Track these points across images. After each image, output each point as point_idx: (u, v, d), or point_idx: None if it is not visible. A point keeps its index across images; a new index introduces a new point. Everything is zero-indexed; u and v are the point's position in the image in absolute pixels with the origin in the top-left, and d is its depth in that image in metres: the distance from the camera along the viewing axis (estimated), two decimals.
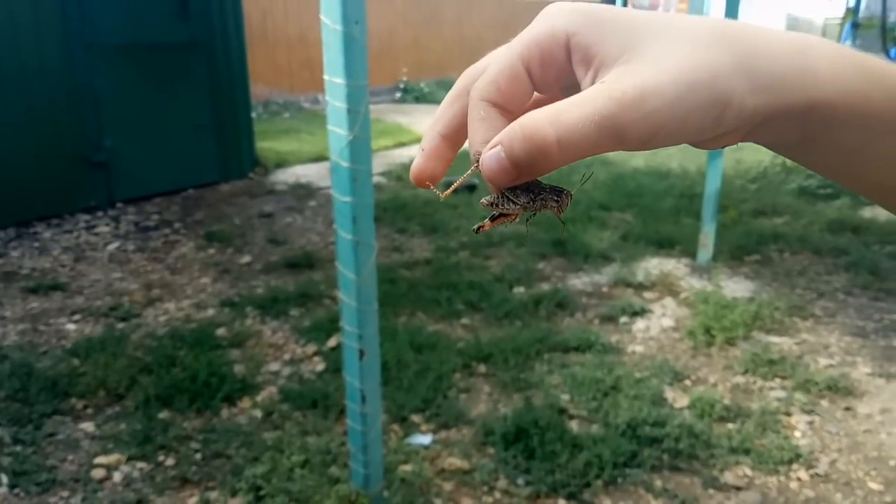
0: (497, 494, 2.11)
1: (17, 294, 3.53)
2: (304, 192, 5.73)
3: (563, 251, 4.23)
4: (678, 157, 7.11)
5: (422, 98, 12.22)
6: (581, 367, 2.79)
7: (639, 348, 3.03)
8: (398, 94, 12.41)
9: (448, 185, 0.39)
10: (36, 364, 2.79)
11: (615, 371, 2.73)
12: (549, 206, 0.36)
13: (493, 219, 0.38)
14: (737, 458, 2.27)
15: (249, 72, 6.42)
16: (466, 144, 0.36)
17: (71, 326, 3.19)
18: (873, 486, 2.17)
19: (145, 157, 5.37)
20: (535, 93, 0.36)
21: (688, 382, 2.76)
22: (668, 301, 3.53)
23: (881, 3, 5.52)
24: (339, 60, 1.52)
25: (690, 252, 4.13)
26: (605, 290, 3.70)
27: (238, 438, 2.34)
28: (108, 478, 2.17)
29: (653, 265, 4.01)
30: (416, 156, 0.38)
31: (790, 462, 2.26)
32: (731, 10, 3.64)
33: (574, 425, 2.44)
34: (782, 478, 2.20)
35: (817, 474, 2.22)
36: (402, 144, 8.07)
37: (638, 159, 7.07)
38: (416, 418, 2.48)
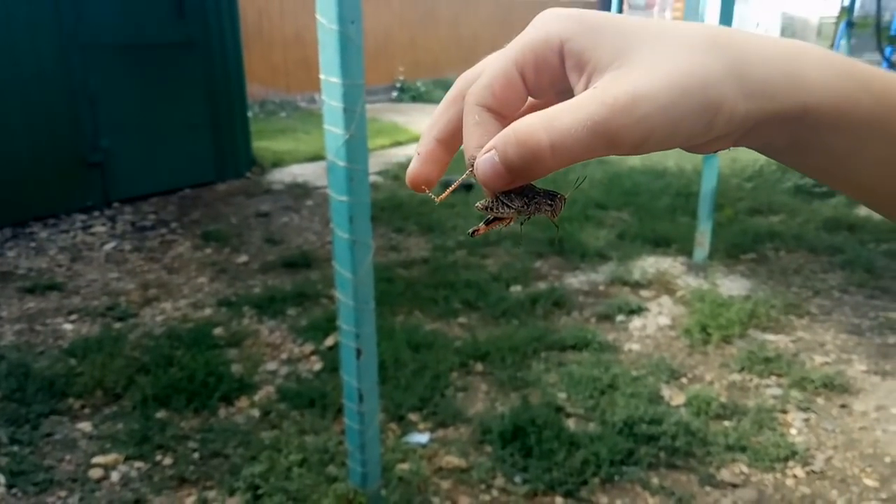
0: (494, 492, 2.11)
1: (13, 294, 3.53)
2: (300, 191, 5.73)
3: (559, 250, 4.23)
4: (674, 156, 7.12)
5: (418, 97, 12.22)
6: (578, 365, 2.80)
7: (635, 346, 3.04)
8: (395, 94, 12.41)
9: (445, 186, 0.40)
10: (33, 364, 2.78)
11: (612, 369, 2.74)
12: (543, 209, 0.36)
13: (487, 222, 0.38)
14: (733, 456, 2.28)
15: (245, 71, 6.41)
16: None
17: (68, 326, 3.19)
18: (869, 482, 2.18)
19: (142, 157, 5.36)
20: (530, 98, 0.36)
21: (684, 380, 2.77)
22: (665, 299, 3.54)
23: (876, 3, 5.54)
24: (335, 60, 1.52)
25: (687, 250, 4.14)
26: (601, 288, 3.70)
27: (236, 438, 2.34)
28: (105, 477, 2.17)
29: (649, 264, 4.02)
30: (412, 158, 0.39)
31: (786, 459, 2.27)
32: (727, 9, 3.65)
33: (571, 423, 2.44)
34: (778, 475, 2.21)
35: (813, 471, 2.23)
36: (398, 143, 8.07)
37: (634, 158, 7.08)
38: (413, 417, 2.48)
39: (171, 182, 5.59)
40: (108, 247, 4.30)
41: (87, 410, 2.52)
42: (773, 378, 2.77)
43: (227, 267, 3.98)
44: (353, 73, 1.54)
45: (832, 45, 7.75)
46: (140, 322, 3.24)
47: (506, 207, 0.36)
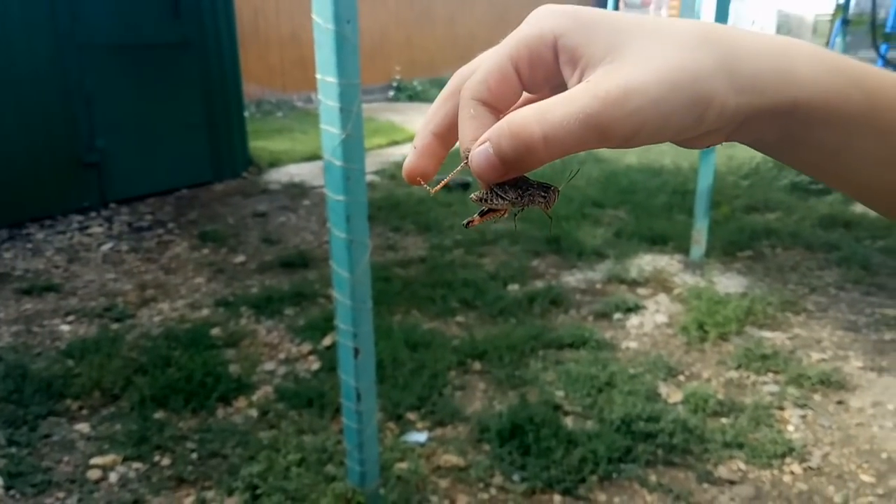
0: (493, 491, 2.12)
1: (10, 295, 3.52)
2: (297, 191, 5.73)
3: (556, 248, 4.24)
4: (671, 154, 7.14)
5: (415, 96, 12.22)
6: (575, 363, 2.80)
7: (633, 344, 3.05)
8: (391, 93, 12.40)
9: (440, 182, 0.40)
10: (30, 365, 2.78)
11: (609, 367, 2.74)
12: (537, 201, 0.37)
13: (482, 214, 0.39)
14: (730, 453, 2.28)
15: (242, 71, 6.41)
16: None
17: (65, 327, 3.18)
18: (865, 478, 2.18)
19: (138, 158, 5.35)
20: (525, 93, 0.37)
21: (681, 378, 2.77)
22: (662, 297, 3.55)
23: (871, 0, 5.55)
24: (331, 59, 1.52)
25: (683, 248, 4.15)
26: (598, 286, 3.71)
27: (234, 438, 2.34)
28: (103, 478, 2.17)
29: (646, 262, 4.02)
30: (408, 153, 0.39)
31: (783, 456, 2.27)
32: (722, 7, 3.65)
33: (569, 421, 2.45)
34: (775, 471, 2.22)
35: (810, 467, 2.23)
36: (395, 143, 8.07)
37: (631, 156, 7.09)
38: (411, 416, 2.49)
39: (168, 182, 5.59)
40: (105, 248, 4.29)
41: (84, 411, 2.52)
42: (770, 375, 2.78)
43: (224, 267, 3.97)
44: (349, 73, 1.54)
45: (827, 43, 7.76)
46: (137, 323, 3.24)
47: (500, 199, 0.37)
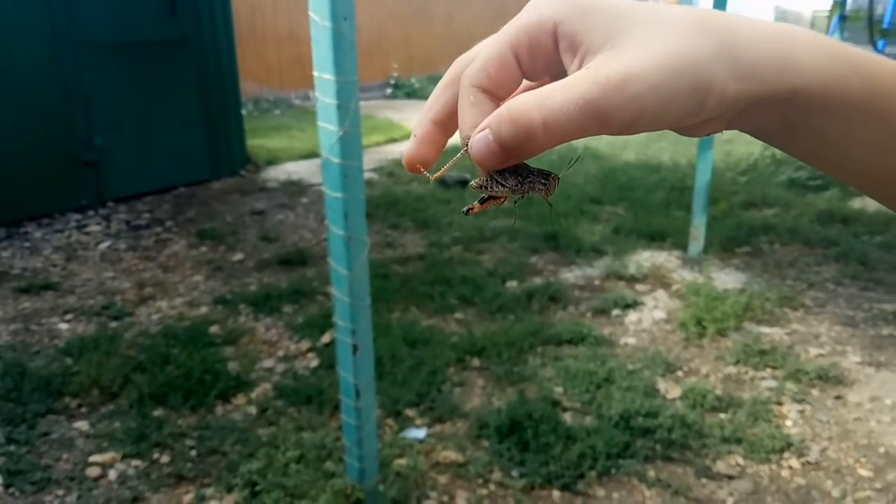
0: (492, 486, 2.12)
1: (8, 294, 3.52)
2: (295, 188, 5.73)
3: (555, 245, 4.24)
4: (669, 151, 7.14)
5: (413, 94, 12.21)
6: (574, 359, 2.81)
7: (631, 340, 3.05)
8: (389, 90, 12.39)
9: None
10: (29, 364, 2.78)
11: (608, 363, 2.75)
12: (537, 188, 0.37)
13: (482, 201, 0.39)
14: (729, 448, 2.29)
15: (239, 69, 6.40)
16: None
17: (63, 326, 3.18)
18: (863, 472, 2.19)
19: (136, 156, 5.35)
20: (525, 80, 0.37)
21: (680, 373, 2.78)
22: (660, 293, 3.55)
23: None
24: (328, 57, 1.52)
25: (682, 244, 4.15)
26: (597, 283, 3.71)
27: (233, 435, 2.35)
28: (103, 476, 2.17)
29: (644, 258, 4.03)
30: (409, 141, 0.39)
31: (781, 451, 2.28)
32: (720, 1, 3.65)
33: (567, 417, 2.45)
34: (774, 466, 2.22)
35: (808, 462, 2.24)
36: (393, 140, 8.07)
37: (629, 153, 7.09)
38: (410, 412, 2.49)
39: (166, 180, 5.58)
40: (103, 246, 4.29)
41: (83, 409, 2.52)
42: (769, 370, 2.78)
43: (222, 265, 3.97)
44: (346, 70, 1.54)
45: None
46: (136, 321, 3.24)
47: (500, 186, 0.37)
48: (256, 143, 7.08)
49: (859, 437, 2.36)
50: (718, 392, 2.61)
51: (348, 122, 1.56)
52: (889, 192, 0.35)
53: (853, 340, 3.03)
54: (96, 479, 2.15)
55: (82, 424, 2.42)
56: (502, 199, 0.38)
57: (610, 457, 2.21)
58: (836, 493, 2.10)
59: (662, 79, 0.30)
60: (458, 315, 3.31)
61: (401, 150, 7.38)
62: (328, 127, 1.59)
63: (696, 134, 0.35)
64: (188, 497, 2.08)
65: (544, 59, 0.35)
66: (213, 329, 3.13)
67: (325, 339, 3.00)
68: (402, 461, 2.19)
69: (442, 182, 5.64)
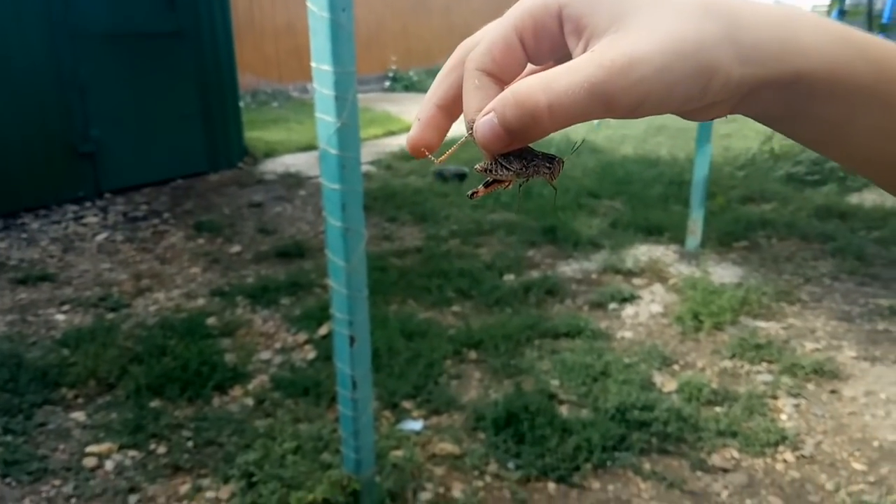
0: (488, 478, 2.13)
1: (5, 285, 3.51)
2: (293, 181, 5.72)
3: (552, 239, 4.24)
4: (667, 145, 7.14)
5: (411, 87, 12.18)
6: (571, 352, 2.81)
7: (628, 334, 3.06)
8: (387, 83, 12.37)
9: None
10: (26, 355, 2.78)
11: (604, 356, 2.75)
12: (542, 172, 0.37)
13: (486, 185, 0.38)
14: (724, 441, 2.30)
15: (237, 61, 6.38)
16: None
17: (60, 317, 3.18)
18: (857, 466, 2.20)
19: (133, 148, 5.33)
20: (530, 65, 0.37)
21: (676, 367, 2.79)
22: (657, 287, 3.56)
23: None
24: (326, 47, 1.51)
25: (679, 239, 4.16)
26: (594, 276, 3.72)
27: (230, 426, 2.35)
28: (99, 466, 2.17)
29: (642, 252, 4.03)
30: (412, 125, 0.39)
31: (776, 444, 2.29)
32: None
33: (564, 410, 2.46)
34: (769, 459, 2.23)
35: (803, 456, 2.25)
36: (391, 133, 8.05)
37: (627, 147, 7.09)
38: (407, 404, 2.49)
39: (163, 172, 5.57)
40: (100, 237, 4.28)
41: (80, 400, 2.52)
42: (764, 364, 2.79)
43: (219, 257, 3.97)
44: (344, 61, 1.53)
45: None
46: (133, 312, 3.24)
47: (505, 170, 0.36)
48: (254, 135, 7.07)
49: (854, 431, 2.38)
50: (714, 386, 2.61)
51: (346, 114, 1.56)
52: (891, 177, 0.35)
53: (849, 335, 3.04)
54: (93, 470, 2.15)
55: (79, 415, 2.43)
56: (507, 183, 0.38)
57: (606, 449, 2.22)
58: (829, 486, 2.11)
59: (667, 62, 0.30)
60: (456, 308, 3.31)
61: (399, 142, 7.37)
62: (326, 118, 1.58)
63: (699, 118, 0.35)
64: (185, 488, 2.08)
65: (549, 43, 0.35)
66: (211, 321, 3.13)
67: (322, 331, 3.00)
68: (399, 453, 2.20)
69: (440, 175, 5.63)
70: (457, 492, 2.06)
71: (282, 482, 2.02)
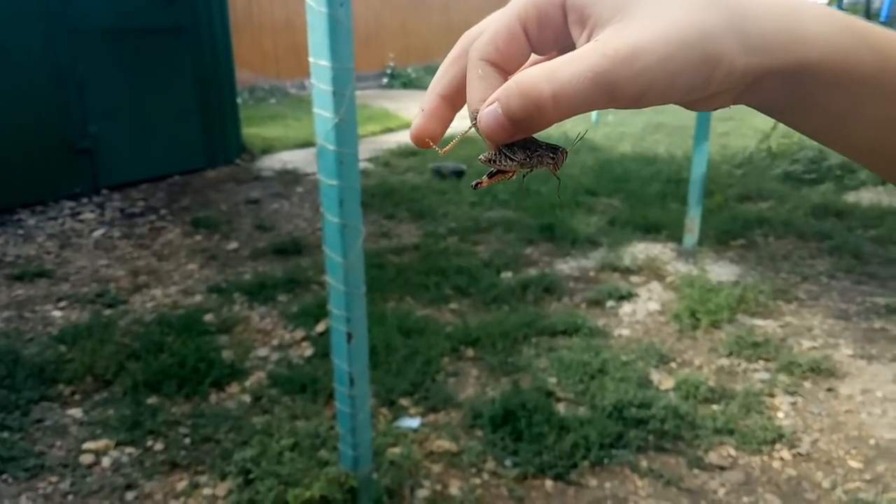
0: (485, 476, 2.13)
1: (2, 281, 3.51)
2: (290, 177, 5.71)
3: (550, 236, 4.24)
4: (665, 143, 7.14)
5: (409, 84, 12.17)
6: (568, 350, 2.81)
7: (625, 332, 3.06)
8: (385, 80, 12.35)
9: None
10: (22, 351, 2.77)
11: (602, 354, 2.76)
12: (546, 162, 0.37)
13: (490, 175, 0.38)
14: (721, 439, 2.30)
15: (235, 57, 6.37)
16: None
17: (57, 313, 3.17)
18: (853, 464, 2.21)
19: (130, 144, 5.32)
20: (533, 55, 0.36)
21: (673, 365, 2.79)
22: (655, 285, 3.56)
23: None
24: (324, 43, 1.51)
25: (676, 237, 4.16)
26: (592, 274, 3.72)
27: (227, 423, 2.35)
28: (96, 463, 2.17)
29: (639, 250, 4.03)
30: (416, 116, 0.39)
31: (773, 442, 2.29)
32: None
33: (561, 408, 2.46)
34: (765, 457, 2.24)
35: (799, 453, 2.26)
36: (389, 130, 8.05)
37: (625, 145, 7.09)
38: (404, 402, 2.49)
39: (161, 169, 5.56)
40: (97, 234, 4.27)
41: (77, 396, 2.52)
42: (761, 362, 2.80)
43: (217, 253, 3.96)
44: (342, 57, 1.53)
45: None
46: (130, 309, 3.23)
47: (508, 160, 0.36)
48: (252, 131, 7.05)
49: (850, 429, 2.38)
50: (711, 383, 2.62)
51: (344, 109, 1.56)
52: (894, 167, 0.35)
53: (846, 333, 3.05)
54: (90, 466, 2.15)
55: (76, 411, 2.42)
56: (511, 174, 0.38)
57: (603, 447, 2.22)
58: (826, 483, 2.12)
59: (671, 51, 0.30)
60: (453, 305, 3.31)
61: (397, 140, 7.37)
62: (324, 114, 1.58)
63: (702, 108, 0.34)
64: (182, 484, 2.08)
65: (553, 33, 0.35)
66: (208, 317, 3.13)
67: (320, 328, 3.00)
68: (396, 450, 2.20)
69: (437, 172, 5.62)
70: (454, 489, 2.07)
71: (279, 479, 2.02)
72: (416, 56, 12.72)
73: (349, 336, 1.73)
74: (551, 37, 0.35)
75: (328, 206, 1.66)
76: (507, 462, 2.18)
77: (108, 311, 3.19)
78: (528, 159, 0.36)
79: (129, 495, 2.04)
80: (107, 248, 4.05)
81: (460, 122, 0.37)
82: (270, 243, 4.13)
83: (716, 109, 0.35)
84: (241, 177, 5.75)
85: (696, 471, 2.17)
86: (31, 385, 2.54)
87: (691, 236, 4.02)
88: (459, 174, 5.60)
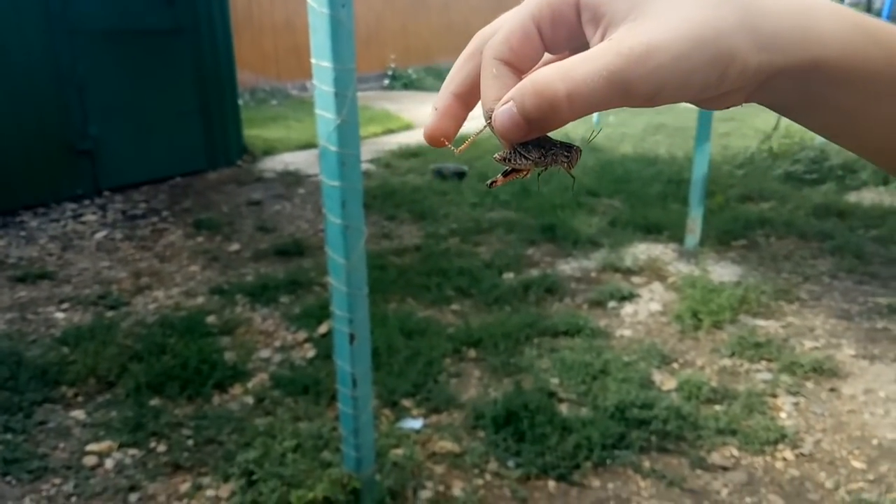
0: (488, 477, 2.13)
1: (4, 283, 3.51)
2: (292, 179, 5.71)
3: (551, 237, 4.24)
4: (666, 144, 7.14)
5: (410, 85, 12.18)
6: (570, 351, 2.81)
7: (627, 332, 3.06)
8: (386, 81, 12.36)
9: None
10: (25, 353, 2.78)
11: (604, 355, 2.76)
12: (560, 161, 0.37)
13: (505, 174, 0.39)
14: (723, 439, 2.30)
15: (236, 58, 6.37)
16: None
17: (60, 315, 3.18)
18: (856, 464, 2.20)
19: (131, 145, 5.32)
20: (547, 54, 0.36)
21: (675, 365, 2.79)
22: (656, 285, 3.56)
23: None
24: (325, 44, 1.51)
25: (678, 237, 4.16)
26: (593, 275, 3.72)
27: (230, 424, 2.35)
28: (99, 465, 2.17)
29: (641, 250, 4.03)
30: (430, 115, 0.39)
31: (776, 442, 2.29)
32: None
33: (563, 408, 2.46)
34: (768, 458, 2.24)
35: (802, 454, 2.25)
36: (390, 131, 8.05)
37: (626, 145, 7.09)
38: (407, 403, 2.49)
39: (162, 170, 5.56)
40: (99, 235, 4.28)
41: (80, 398, 2.52)
42: (764, 363, 2.80)
43: (219, 255, 3.97)
44: (344, 58, 1.53)
45: None
46: (132, 310, 3.24)
47: (523, 159, 0.37)
48: (253, 133, 7.06)
49: (853, 429, 2.38)
50: (713, 384, 2.62)
51: (346, 111, 1.56)
52: None
53: (848, 333, 3.05)
54: (93, 468, 2.15)
55: (79, 413, 2.42)
56: (525, 172, 0.38)
57: (605, 448, 2.22)
58: (829, 484, 2.12)
59: (685, 50, 0.30)
60: (455, 306, 3.31)
61: (398, 141, 7.37)
62: (326, 115, 1.58)
63: (716, 107, 0.35)
64: (185, 486, 2.08)
65: (566, 32, 0.35)
66: (210, 319, 3.13)
67: (322, 329, 3.00)
68: (399, 451, 2.20)
69: (439, 173, 5.63)
70: (457, 490, 2.07)
71: (282, 480, 2.02)
72: (416, 57, 12.73)
73: (352, 337, 1.73)
74: (565, 36, 0.35)
75: (330, 207, 1.66)
76: (510, 463, 2.18)
77: (110, 313, 3.19)
78: (542, 158, 0.37)
79: (133, 497, 2.04)
80: (109, 249, 4.05)
81: (470, 124, 0.37)
82: (272, 245, 4.13)
83: (728, 108, 0.35)
84: (243, 178, 5.76)
85: (698, 471, 2.17)
86: (34, 387, 2.54)
87: (693, 237, 4.02)
88: (461, 175, 5.60)
